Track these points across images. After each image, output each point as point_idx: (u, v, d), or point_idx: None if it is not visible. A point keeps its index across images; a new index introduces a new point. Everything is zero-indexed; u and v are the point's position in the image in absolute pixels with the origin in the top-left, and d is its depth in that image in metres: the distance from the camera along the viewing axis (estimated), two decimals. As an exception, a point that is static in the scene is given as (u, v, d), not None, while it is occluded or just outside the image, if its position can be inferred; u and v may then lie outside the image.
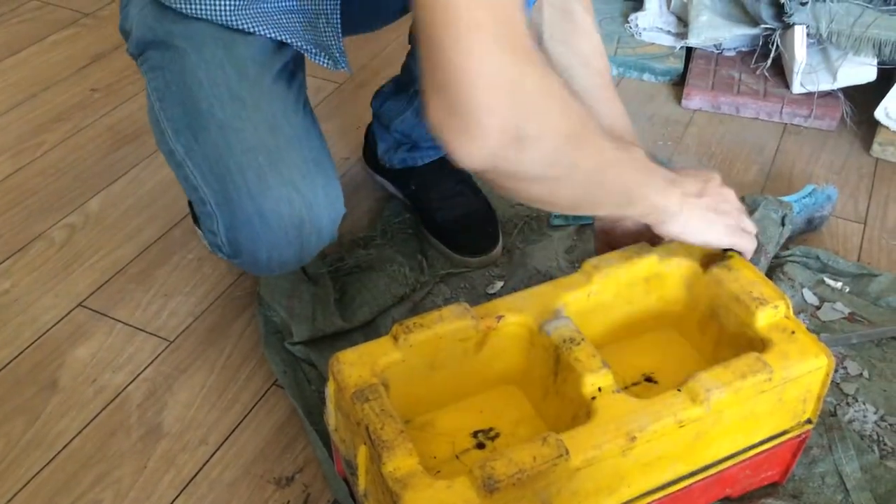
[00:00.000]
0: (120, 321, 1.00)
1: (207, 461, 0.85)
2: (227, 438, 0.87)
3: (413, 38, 1.02)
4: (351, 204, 1.17)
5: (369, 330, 0.98)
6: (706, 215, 0.73)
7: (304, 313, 0.97)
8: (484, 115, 0.53)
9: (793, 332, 0.70)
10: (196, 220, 1.10)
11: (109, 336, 0.98)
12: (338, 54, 0.81)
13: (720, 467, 0.70)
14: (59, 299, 1.02)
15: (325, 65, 0.82)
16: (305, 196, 0.76)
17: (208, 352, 0.97)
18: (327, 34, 0.79)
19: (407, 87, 1.05)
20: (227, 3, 0.77)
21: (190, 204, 1.11)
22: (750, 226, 0.78)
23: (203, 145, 0.77)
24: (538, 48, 0.57)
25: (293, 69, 0.83)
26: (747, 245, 0.77)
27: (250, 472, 0.84)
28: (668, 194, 0.70)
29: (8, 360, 0.95)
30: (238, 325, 1.00)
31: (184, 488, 0.83)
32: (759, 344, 0.70)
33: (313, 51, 0.81)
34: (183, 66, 0.78)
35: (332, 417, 0.73)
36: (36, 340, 0.97)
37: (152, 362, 0.95)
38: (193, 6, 0.78)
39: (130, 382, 0.93)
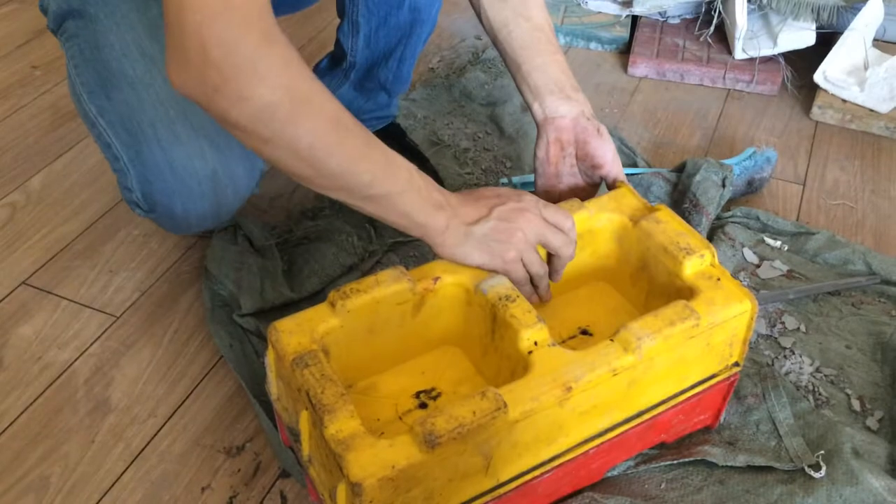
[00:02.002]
0: (65, 298, 0.99)
1: (157, 433, 0.85)
2: (175, 411, 0.88)
3: (341, 11, 1.02)
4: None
5: (318, 300, 0.96)
6: (475, 242, 0.72)
7: (252, 285, 0.97)
8: (189, 59, 0.58)
9: (718, 280, 0.72)
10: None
11: (54, 313, 0.97)
12: None
13: (654, 412, 0.72)
14: (1, 278, 1.01)
15: None
16: (219, 148, 0.77)
17: (155, 327, 0.96)
18: None
19: (340, 62, 1.05)
20: None
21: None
22: (534, 261, 0.74)
23: (115, 102, 0.78)
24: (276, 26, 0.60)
25: None
26: (515, 276, 0.73)
27: (200, 443, 0.85)
28: (435, 216, 0.70)
29: (-50, 340, 0.94)
30: (185, 300, 0.99)
31: (133, 461, 0.83)
32: (686, 292, 0.72)
33: None
34: (95, 31, 0.79)
35: (273, 387, 0.73)
36: (-22, 320, 0.96)
37: (98, 338, 0.95)
38: None
39: (76, 359, 0.92)
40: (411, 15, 0.98)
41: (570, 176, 0.84)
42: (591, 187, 0.85)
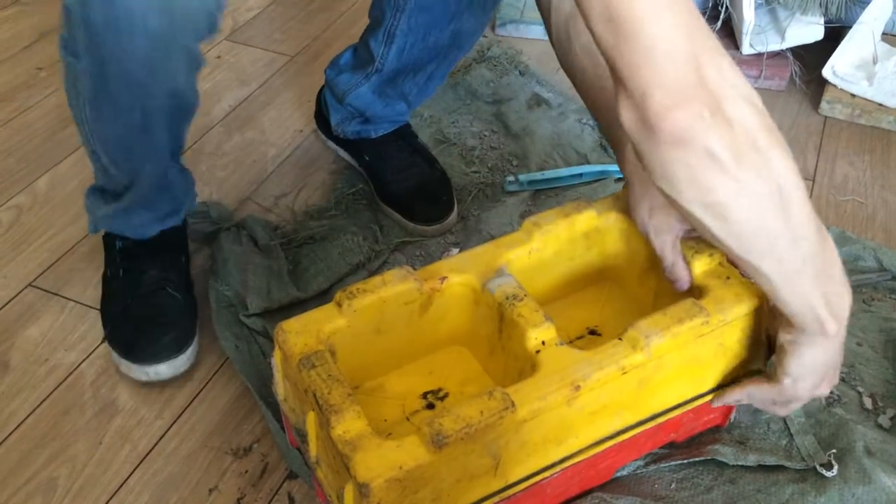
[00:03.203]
0: (71, 300, 0.99)
1: (164, 435, 0.85)
2: (183, 412, 0.87)
3: (377, 19, 1.00)
4: (304, 177, 1.17)
5: (325, 299, 0.97)
6: (829, 362, 0.69)
7: (258, 286, 0.97)
8: (683, 84, 0.54)
9: (727, 278, 0.71)
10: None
11: (61, 315, 0.97)
12: None
13: (668, 416, 0.71)
14: (7, 280, 1.01)
15: None
16: None
17: (162, 327, 0.96)
18: None
19: (365, 65, 1.03)
20: None
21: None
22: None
23: None
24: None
25: None
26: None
27: (207, 444, 0.84)
28: (831, 314, 0.63)
29: (-43, 342, 0.94)
30: (192, 300, 0.99)
31: (140, 462, 0.83)
32: (695, 291, 0.71)
33: None
34: None
35: (280, 387, 0.73)
36: (-15, 322, 0.96)
37: (105, 340, 0.94)
38: None
39: (83, 360, 0.92)
40: (452, 39, 0.97)
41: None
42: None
